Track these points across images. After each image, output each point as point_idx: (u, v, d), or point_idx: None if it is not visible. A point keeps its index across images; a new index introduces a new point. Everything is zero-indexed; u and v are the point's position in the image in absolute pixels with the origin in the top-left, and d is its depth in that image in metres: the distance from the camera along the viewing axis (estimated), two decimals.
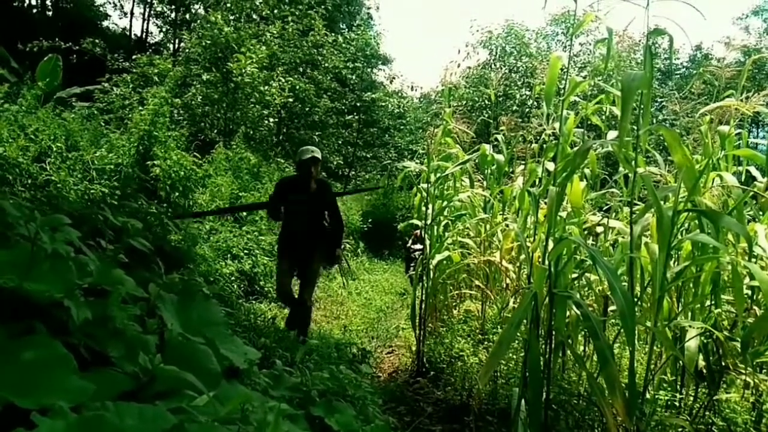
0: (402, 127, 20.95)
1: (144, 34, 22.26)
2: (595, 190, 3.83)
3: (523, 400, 2.79)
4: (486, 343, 4.38)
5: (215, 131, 12.00)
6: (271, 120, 14.28)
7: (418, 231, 11.74)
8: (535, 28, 25.24)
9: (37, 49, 10.23)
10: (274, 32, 12.61)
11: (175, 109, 9.03)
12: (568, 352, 3.43)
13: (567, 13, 23.54)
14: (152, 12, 21.81)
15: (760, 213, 3.44)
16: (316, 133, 16.73)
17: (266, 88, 11.54)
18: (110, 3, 21.45)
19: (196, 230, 6.13)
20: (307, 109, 15.44)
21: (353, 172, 20.50)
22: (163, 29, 21.97)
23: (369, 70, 20.51)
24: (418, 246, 11.62)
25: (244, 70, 10.78)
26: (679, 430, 2.77)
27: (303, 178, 4.71)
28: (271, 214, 5.04)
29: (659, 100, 20.86)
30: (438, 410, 3.80)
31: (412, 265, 11.90)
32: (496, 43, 23.07)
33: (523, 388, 2.80)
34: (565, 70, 3.22)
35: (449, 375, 4.16)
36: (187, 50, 13.51)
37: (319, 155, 4.71)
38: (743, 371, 2.91)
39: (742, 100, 3.03)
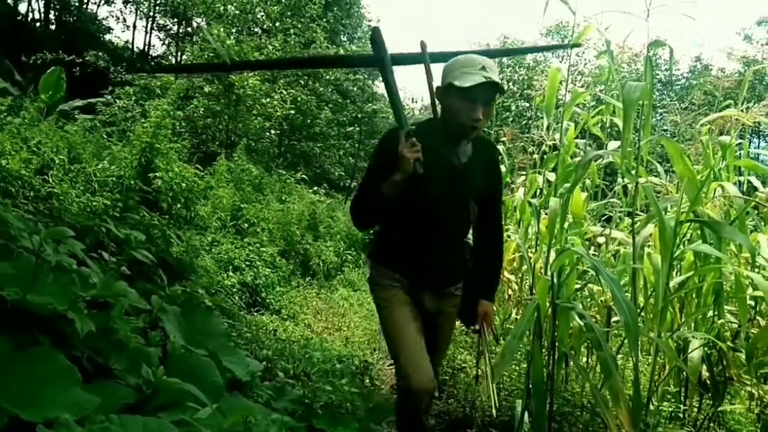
0: None
1: (146, 47, 22.39)
2: (595, 200, 3.84)
3: (526, 412, 2.79)
4: (488, 354, 4.35)
5: (217, 143, 12.05)
6: (273, 132, 14.38)
7: None
8: (530, 41, 25.56)
9: (40, 62, 10.35)
10: (276, 45, 12.70)
11: (176, 121, 9.08)
12: (571, 363, 3.42)
13: (561, 25, 23.81)
14: (155, 25, 21.97)
15: (762, 223, 3.45)
16: (318, 145, 16.79)
17: (268, 100, 11.62)
18: (113, 16, 21.58)
19: (199, 242, 6.13)
20: (308, 120, 15.51)
21: (354, 183, 20.54)
22: (166, 42, 22.13)
23: (370, 81, 20.59)
24: None
25: (246, 83, 10.84)
26: None
27: (455, 131, 2.15)
28: (364, 208, 2.27)
29: (660, 111, 20.95)
30: (440, 422, 3.77)
31: None
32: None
33: (527, 400, 2.79)
34: (565, 81, 3.25)
35: (452, 387, 4.13)
36: (189, 62, 13.61)
37: (497, 77, 2.06)
38: (747, 382, 2.89)
39: (742, 111, 3.05)
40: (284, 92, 12.24)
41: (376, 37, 2.28)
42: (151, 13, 21.41)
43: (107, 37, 21.03)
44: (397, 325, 2.22)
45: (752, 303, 3.08)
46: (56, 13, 19.45)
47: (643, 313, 2.86)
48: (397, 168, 2.04)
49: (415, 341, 2.19)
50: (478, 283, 2.36)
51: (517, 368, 3.77)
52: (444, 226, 2.24)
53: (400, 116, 2.15)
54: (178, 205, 6.40)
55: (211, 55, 11.59)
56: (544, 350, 2.79)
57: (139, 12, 21.72)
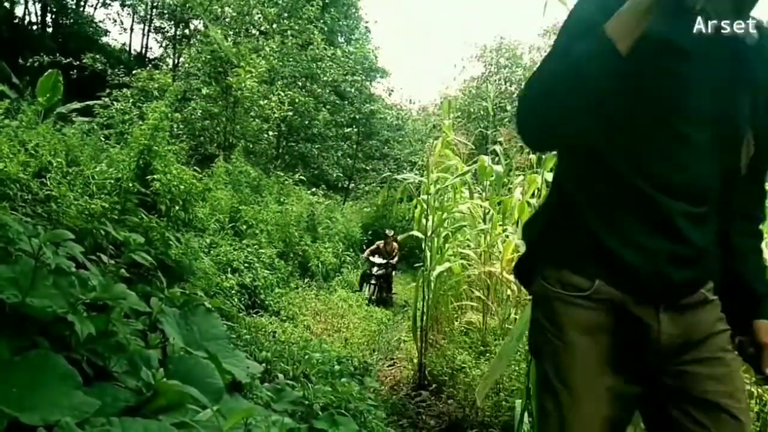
0: (401, 138, 21.03)
1: (144, 49, 22.42)
2: None
3: (526, 413, 2.78)
4: (488, 354, 4.36)
5: (215, 145, 12.05)
6: (271, 133, 14.40)
7: (380, 242, 10.87)
8: (528, 42, 25.67)
9: (37, 65, 10.33)
10: (274, 46, 12.71)
11: (174, 123, 9.07)
12: None
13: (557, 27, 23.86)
14: (152, 27, 21.98)
15: None
16: (316, 146, 16.80)
17: (266, 101, 11.62)
18: (110, 19, 21.60)
19: (197, 244, 6.13)
20: (306, 122, 15.53)
21: (353, 185, 20.54)
22: (163, 44, 22.12)
23: (368, 83, 20.63)
24: (378, 259, 10.22)
25: (243, 85, 10.84)
26: None
27: None
28: (553, 87, 1.03)
29: None
30: (440, 423, 3.77)
31: (371, 282, 9.92)
32: (490, 56, 23.40)
33: (527, 400, 2.79)
34: None
35: (451, 387, 4.14)
36: (186, 65, 13.63)
37: None
38: (746, 380, 2.89)
39: None
40: (282, 94, 12.24)
41: None
42: (148, 16, 21.43)
43: (104, 39, 21.05)
44: (574, 408, 1.19)
45: None
46: (53, 16, 19.43)
47: None
48: None
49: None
50: (752, 290, 1.25)
51: (517, 368, 3.77)
52: (695, 173, 1.10)
53: None
54: (177, 207, 6.39)
55: (209, 56, 11.59)
56: None
57: (136, 15, 21.74)
